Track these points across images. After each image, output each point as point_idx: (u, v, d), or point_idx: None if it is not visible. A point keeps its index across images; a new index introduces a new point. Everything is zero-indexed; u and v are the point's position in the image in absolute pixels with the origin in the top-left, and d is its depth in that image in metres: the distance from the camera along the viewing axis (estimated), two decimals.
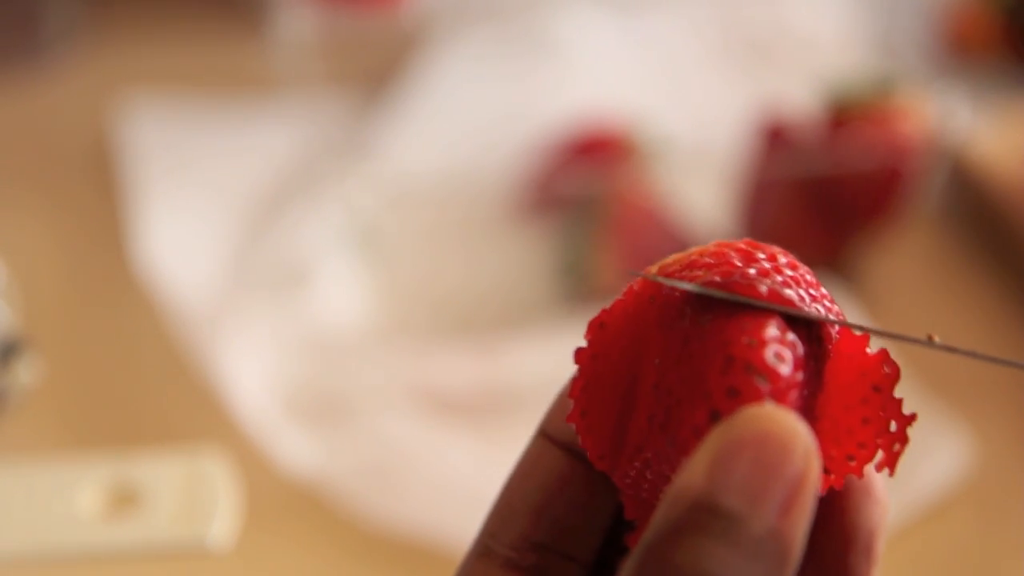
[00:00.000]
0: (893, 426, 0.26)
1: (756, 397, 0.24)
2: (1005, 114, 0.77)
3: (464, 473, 0.58)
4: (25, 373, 0.49)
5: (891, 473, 0.26)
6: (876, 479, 0.27)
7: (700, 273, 0.27)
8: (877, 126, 0.67)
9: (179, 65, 0.89)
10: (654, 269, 0.28)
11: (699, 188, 0.72)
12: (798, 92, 0.73)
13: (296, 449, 0.59)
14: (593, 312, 0.29)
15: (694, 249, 0.28)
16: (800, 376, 0.25)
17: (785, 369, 0.25)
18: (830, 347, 0.27)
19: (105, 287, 0.71)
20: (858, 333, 0.27)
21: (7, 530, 0.42)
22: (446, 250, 0.72)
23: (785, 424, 0.24)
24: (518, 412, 0.63)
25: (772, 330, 0.25)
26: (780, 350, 0.25)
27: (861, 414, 0.26)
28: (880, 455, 0.26)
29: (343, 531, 0.57)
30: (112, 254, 0.72)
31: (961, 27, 0.87)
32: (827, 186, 0.68)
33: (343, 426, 0.61)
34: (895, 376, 0.27)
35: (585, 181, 0.68)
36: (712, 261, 0.27)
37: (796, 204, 0.68)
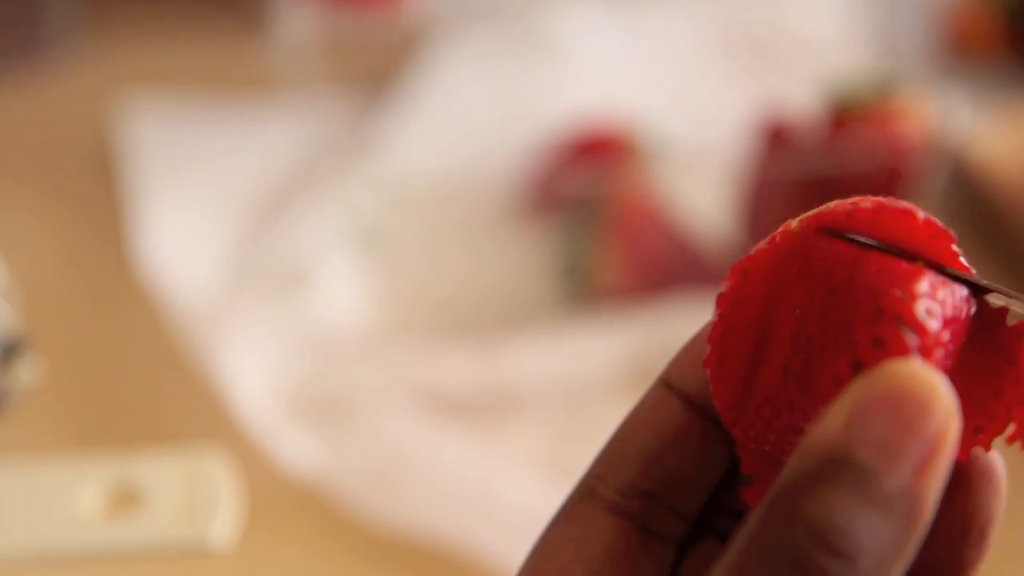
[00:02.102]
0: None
1: (903, 351, 0.24)
2: (1005, 114, 0.77)
3: (465, 473, 0.58)
4: (25, 373, 0.49)
5: (1023, 447, 0.26)
6: (999, 467, 0.27)
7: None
8: (878, 126, 0.67)
9: (179, 65, 0.89)
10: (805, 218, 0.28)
11: (699, 188, 0.72)
12: (798, 92, 0.73)
13: (297, 449, 0.59)
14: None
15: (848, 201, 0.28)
16: (947, 336, 0.25)
17: (934, 325, 0.25)
18: (972, 315, 0.26)
19: (105, 287, 0.71)
20: (999, 303, 0.27)
21: (7, 530, 0.42)
22: (447, 250, 0.72)
23: (929, 382, 0.23)
24: (518, 412, 0.63)
25: (924, 285, 0.25)
26: (931, 306, 0.25)
27: (993, 386, 0.26)
28: (1011, 428, 0.26)
29: (344, 531, 0.57)
30: (113, 254, 0.72)
31: (962, 27, 0.87)
32: (827, 186, 0.68)
33: (344, 426, 0.61)
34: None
35: (586, 181, 0.68)
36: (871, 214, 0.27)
37: (796, 204, 0.68)
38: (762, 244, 0.27)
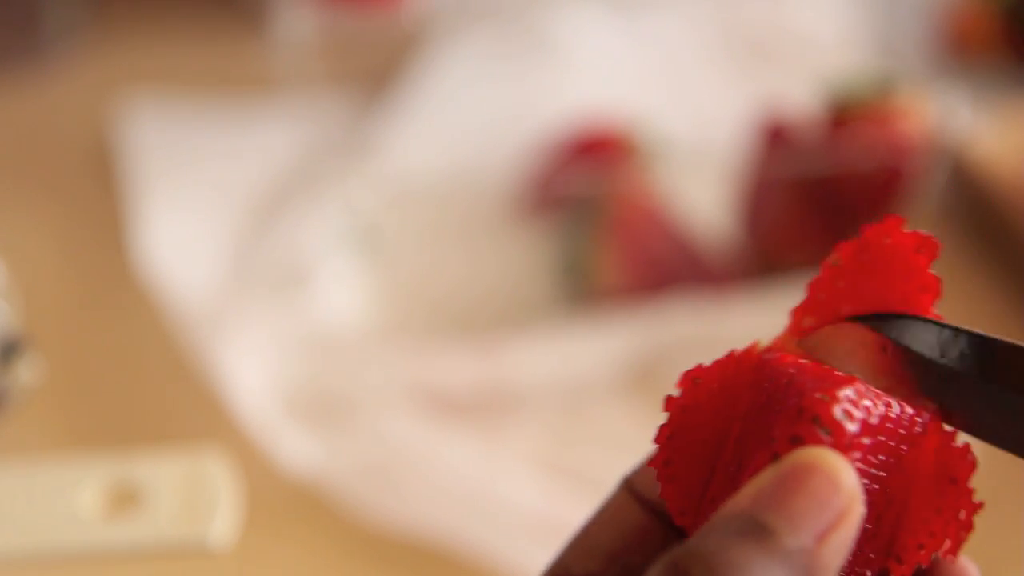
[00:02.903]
0: (963, 514, 0.27)
1: (816, 445, 0.26)
2: (1005, 114, 0.77)
3: (464, 473, 0.58)
4: (25, 373, 0.49)
5: (954, 558, 0.27)
6: (972, 568, 0.28)
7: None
8: (877, 126, 0.67)
9: (179, 65, 0.89)
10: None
11: (699, 188, 0.72)
12: (798, 92, 0.73)
13: (296, 448, 0.59)
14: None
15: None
16: (867, 441, 0.26)
17: (851, 427, 0.26)
18: (915, 437, 0.28)
19: (105, 287, 0.71)
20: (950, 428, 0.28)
21: (7, 530, 0.42)
22: (446, 250, 0.72)
23: (835, 463, 0.25)
24: (518, 412, 0.63)
25: (848, 391, 0.26)
26: (850, 409, 0.26)
27: (936, 505, 0.27)
28: (947, 543, 0.27)
29: (343, 530, 0.57)
30: (112, 254, 0.72)
31: (961, 27, 0.87)
32: (827, 186, 0.68)
33: (343, 426, 0.61)
34: (973, 467, 0.28)
35: (586, 181, 0.68)
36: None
37: (796, 204, 0.68)
38: (721, 358, 0.29)
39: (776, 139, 0.68)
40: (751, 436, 0.27)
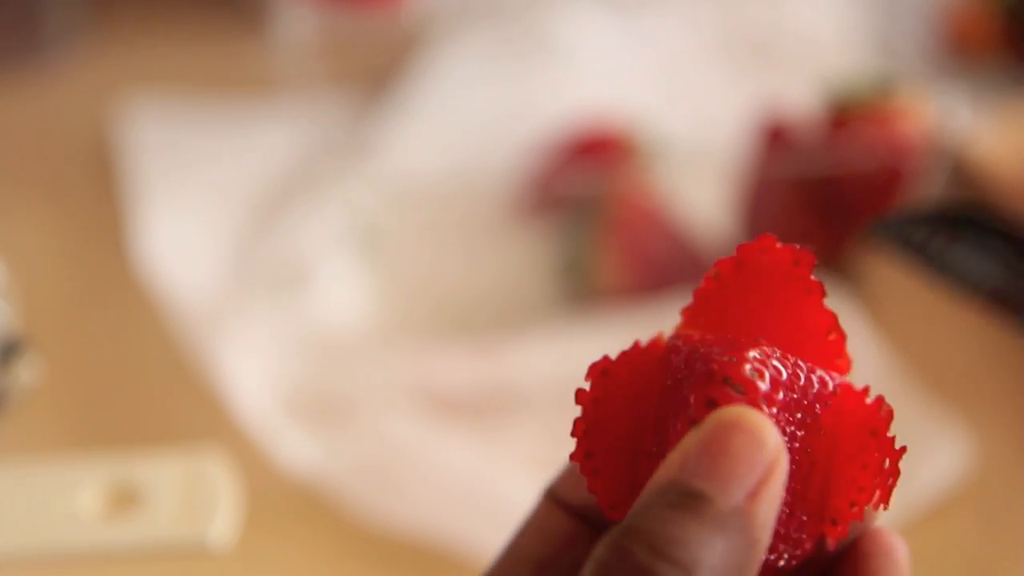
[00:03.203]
0: (887, 463, 0.27)
1: (731, 404, 0.26)
2: (1005, 114, 0.77)
3: (464, 473, 0.58)
4: (25, 373, 0.49)
5: (885, 507, 0.28)
6: (899, 543, 0.29)
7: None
8: (877, 126, 0.67)
9: (179, 65, 0.89)
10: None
11: (699, 188, 0.72)
12: (798, 92, 0.73)
13: (296, 449, 0.59)
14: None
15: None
16: (781, 397, 0.26)
17: (763, 385, 0.26)
18: (828, 396, 0.28)
19: (105, 287, 0.71)
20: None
21: (7, 530, 0.42)
22: (446, 250, 0.72)
23: (754, 418, 0.25)
24: (518, 412, 0.63)
25: (754, 352, 0.27)
26: (759, 367, 0.26)
27: (861, 461, 0.27)
28: (876, 495, 0.28)
29: (343, 531, 0.57)
30: (112, 254, 0.72)
31: (961, 27, 0.87)
32: (827, 186, 0.68)
33: (343, 426, 0.61)
34: (889, 417, 0.28)
35: (585, 181, 0.68)
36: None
37: (796, 204, 0.68)
38: (626, 349, 0.29)
39: (776, 139, 0.68)
40: (668, 415, 0.27)
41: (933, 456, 0.59)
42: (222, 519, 0.43)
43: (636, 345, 0.29)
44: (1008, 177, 0.73)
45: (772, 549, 0.27)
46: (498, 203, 0.73)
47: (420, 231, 0.72)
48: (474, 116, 0.80)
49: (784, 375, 0.27)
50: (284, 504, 0.58)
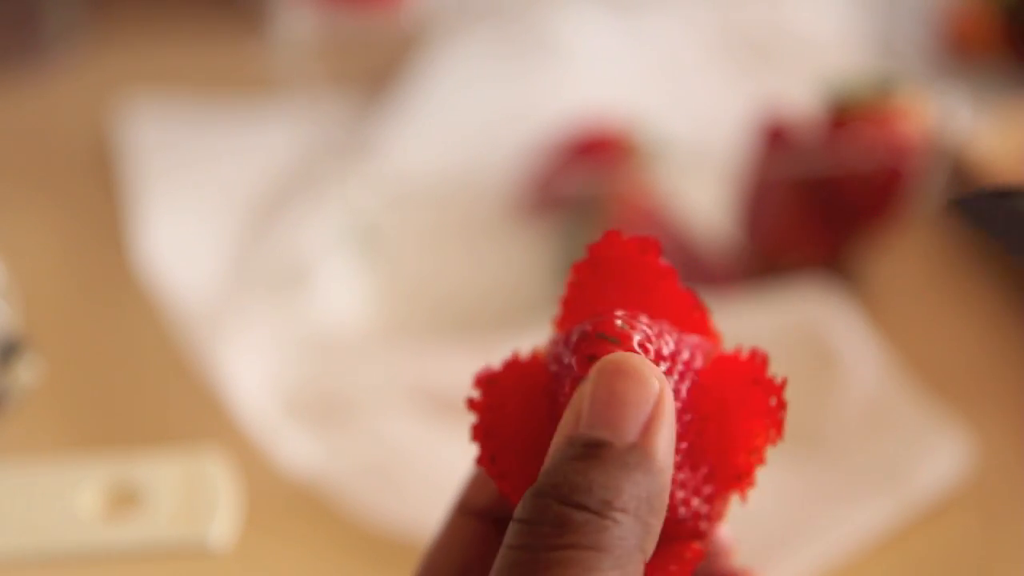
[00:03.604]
0: (773, 400, 0.28)
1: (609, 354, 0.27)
2: (1005, 114, 0.77)
3: (464, 473, 0.58)
4: (25, 373, 0.49)
5: (781, 437, 0.28)
6: (723, 534, 0.30)
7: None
8: (877, 126, 0.67)
9: (179, 65, 0.89)
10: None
11: (699, 188, 0.72)
12: (798, 92, 0.73)
13: (296, 449, 0.59)
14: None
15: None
16: (654, 347, 0.28)
17: (636, 335, 0.27)
18: (707, 354, 0.29)
19: (105, 287, 0.71)
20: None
21: (7, 530, 0.42)
22: (446, 250, 0.72)
23: (634, 360, 0.27)
24: None
25: (620, 312, 0.28)
26: (630, 320, 0.28)
27: (750, 410, 0.28)
28: (772, 434, 0.28)
29: (343, 531, 0.57)
30: (112, 254, 0.72)
31: (961, 27, 0.87)
32: (827, 186, 0.68)
33: (343, 426, 0.61)
34: (765, 362, 0.29)
35: (585, 181, 0.68)
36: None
37: (796, 204, 0.68)
38: (508, 358, 0.30)
39: (776, 140, 0.68)
40: (556, 389, 0.28)
41: (933, 456, 0.60)
42: (222, 519, 0.43)
43: (515, 356, 0.30)
44: (1008, 177, 0.73)
45: (685, 503, 0.28)
46: (498, 203, 0.73)
47: (420, 231, 0.72)
48: (474, 116, 0.80)
49: (654, 331, 0.28)
50: (284, 504, 0.58)
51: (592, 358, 0.27)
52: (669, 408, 0.26)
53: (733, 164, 0.70)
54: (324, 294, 0.68)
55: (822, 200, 0.68)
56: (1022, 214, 0.30)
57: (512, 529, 0.26)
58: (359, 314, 0.68)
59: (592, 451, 0.26)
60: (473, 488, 0.32)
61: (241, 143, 0.79)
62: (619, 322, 0.27)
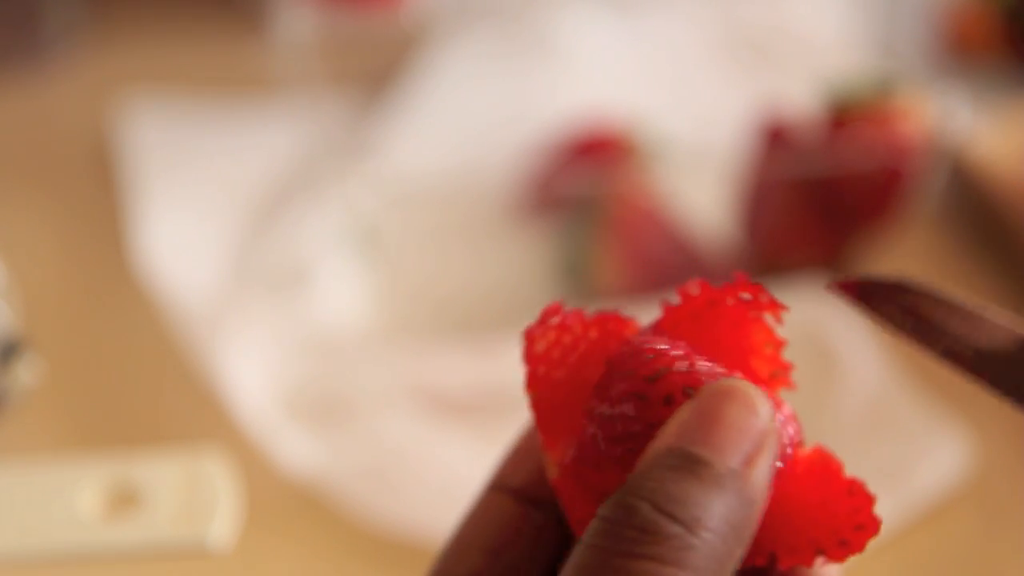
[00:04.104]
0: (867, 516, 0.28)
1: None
2: (1005, 114, 0.77)
3: (464, 473, 0.58)
4: (25, 373, 0.49)
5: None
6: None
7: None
8: (877, 126, 0.67)
9: (179, 65, 0.89)
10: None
11: (699, 188, 0.72)
12: (798, 92, 0.73)
13: (296, 449, 0.59)
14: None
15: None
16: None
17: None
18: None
19: (105, 287, 0.71)
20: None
21: (7, 530, 0.42)
22: (447, 250, 0.72)
23: (748, 389, 0.26)
24: (518, 412, 0.62)
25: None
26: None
27: (837, 521, 0.27)
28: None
29: (343, 531, 0.57)
30: (112, 254, 0.72)
31: (961, 27, 0.87)
32: (827, 186, 0.68)
33: (343, 426, 0.61)
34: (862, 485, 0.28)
35: (585, 181, 0.68)
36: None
37: (796, 204, 0.68)
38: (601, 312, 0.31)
39: (776, 140, 0.68)
40: (615, 381, 0.28)
41: (933, 456, 0.59)
42: (222, 519, 0.42)
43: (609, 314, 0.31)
44: (1008, 177, 0.73)
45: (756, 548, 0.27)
46: (498, 203, 0.73)
47: (420, 231, 0.72)
48: (474, 116, 0.80)
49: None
50: (284, 504, 0.58)
51: (690, 390, 0.27)
52: (773, 445, 0.26)
53: (733, 164, 0.70)
54: (324, 294, 0.68)
55: (822, 200, 0.68)
56: (917, 311, 0.30)
57: (594, 526, 0.25)
58: (359, 314, 0.68)
59: (692, 465, 0.25)
60: (510, 465, 0.31)
61: (241, 143, 0.79)
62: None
